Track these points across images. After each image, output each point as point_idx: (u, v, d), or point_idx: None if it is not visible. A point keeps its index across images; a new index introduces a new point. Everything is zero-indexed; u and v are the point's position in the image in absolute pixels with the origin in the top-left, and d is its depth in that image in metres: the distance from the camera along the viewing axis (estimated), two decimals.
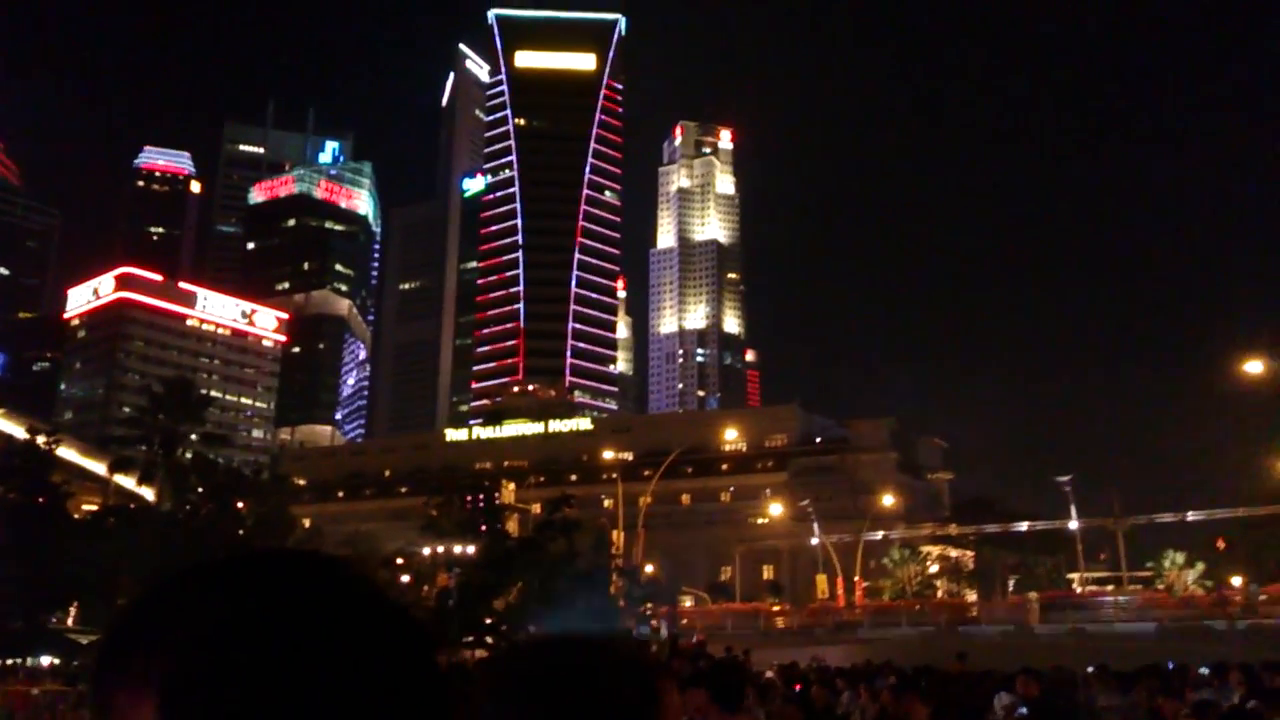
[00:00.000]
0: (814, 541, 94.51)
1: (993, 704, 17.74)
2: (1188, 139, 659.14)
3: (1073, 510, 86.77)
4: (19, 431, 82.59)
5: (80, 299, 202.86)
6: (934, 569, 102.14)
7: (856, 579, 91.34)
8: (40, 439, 61.37)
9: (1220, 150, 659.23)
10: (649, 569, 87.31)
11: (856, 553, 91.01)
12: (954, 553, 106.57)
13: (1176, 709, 14.25)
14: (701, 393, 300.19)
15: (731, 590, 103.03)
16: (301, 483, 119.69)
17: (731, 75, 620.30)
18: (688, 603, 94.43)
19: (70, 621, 58.96)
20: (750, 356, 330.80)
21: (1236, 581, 79.91)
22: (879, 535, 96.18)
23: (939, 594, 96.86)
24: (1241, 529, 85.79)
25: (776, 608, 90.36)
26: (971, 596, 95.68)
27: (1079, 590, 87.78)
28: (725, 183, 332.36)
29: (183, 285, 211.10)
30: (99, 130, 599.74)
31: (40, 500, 55.90)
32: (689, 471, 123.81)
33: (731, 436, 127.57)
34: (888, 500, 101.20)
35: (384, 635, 1.03)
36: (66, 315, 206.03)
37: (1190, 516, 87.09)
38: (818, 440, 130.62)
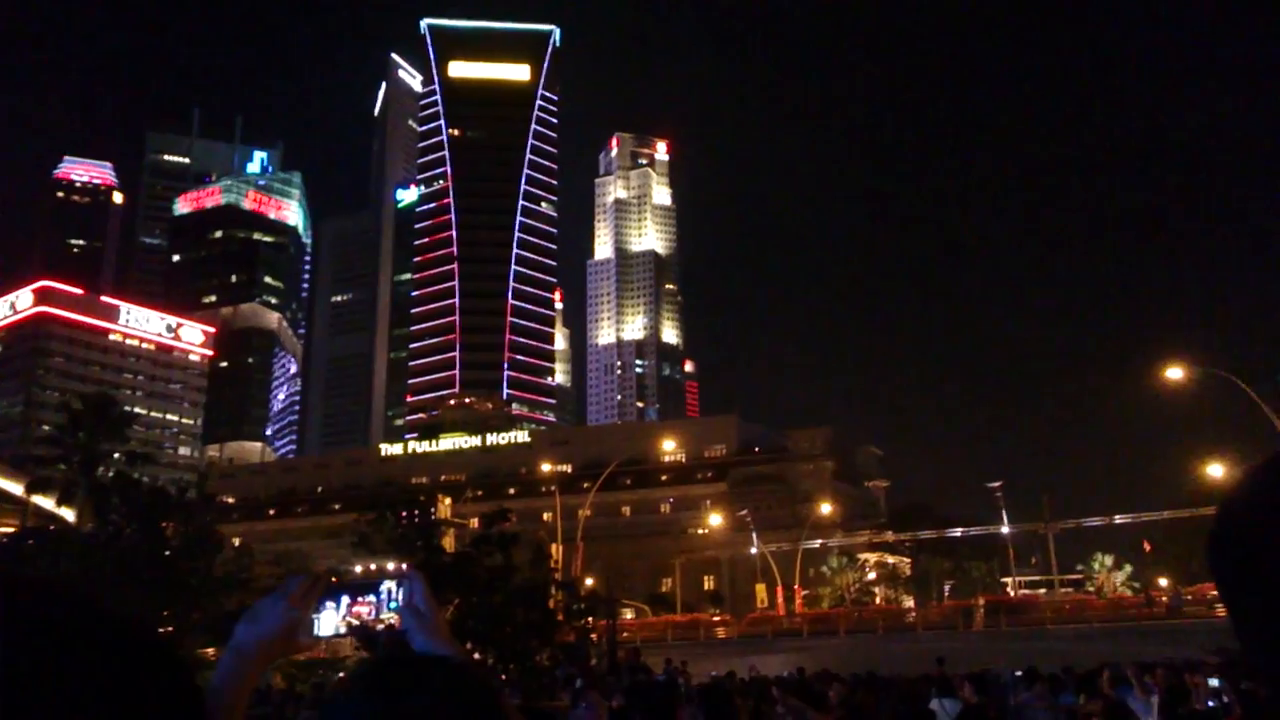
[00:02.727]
0: (753, 551, 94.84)
1: (930, 709, 17.81)
2: (1104, 153, 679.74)
3: (1004, 515, 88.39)
4: None
5: None
6: (872, 576, 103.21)
7: (795, 587, 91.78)
8: None
9: (1138, 162, 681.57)
10: (589, 582, 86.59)
11: (795, 561, 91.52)
12: (891, 559, 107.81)
13: (1093, 709, 14.50)
14: (640, 404, 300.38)
15: (672, 601, 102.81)
16: (230, 501, 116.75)
17: (667, 87, 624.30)
18: (628, 615, 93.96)
19: None
20: (689, 367, 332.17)
21: (1163, 582, 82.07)
22: (817, 543, 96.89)
23: (877, 600, 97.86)
24: (1167, 531, 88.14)
25: (716, 618, 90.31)
26: (909, 602, 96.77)
27: (1012, 594, 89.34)
28: (662, 194, 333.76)
29: (105, 299, 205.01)
30: (16, 139, 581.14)
31: None
32: (628, 483, 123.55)
33: (670, 447, 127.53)
34: (825, 508, 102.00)
35: (114, 654, 1.02)
36: None
37: (1118, 520, 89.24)
38: (756, 450, 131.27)
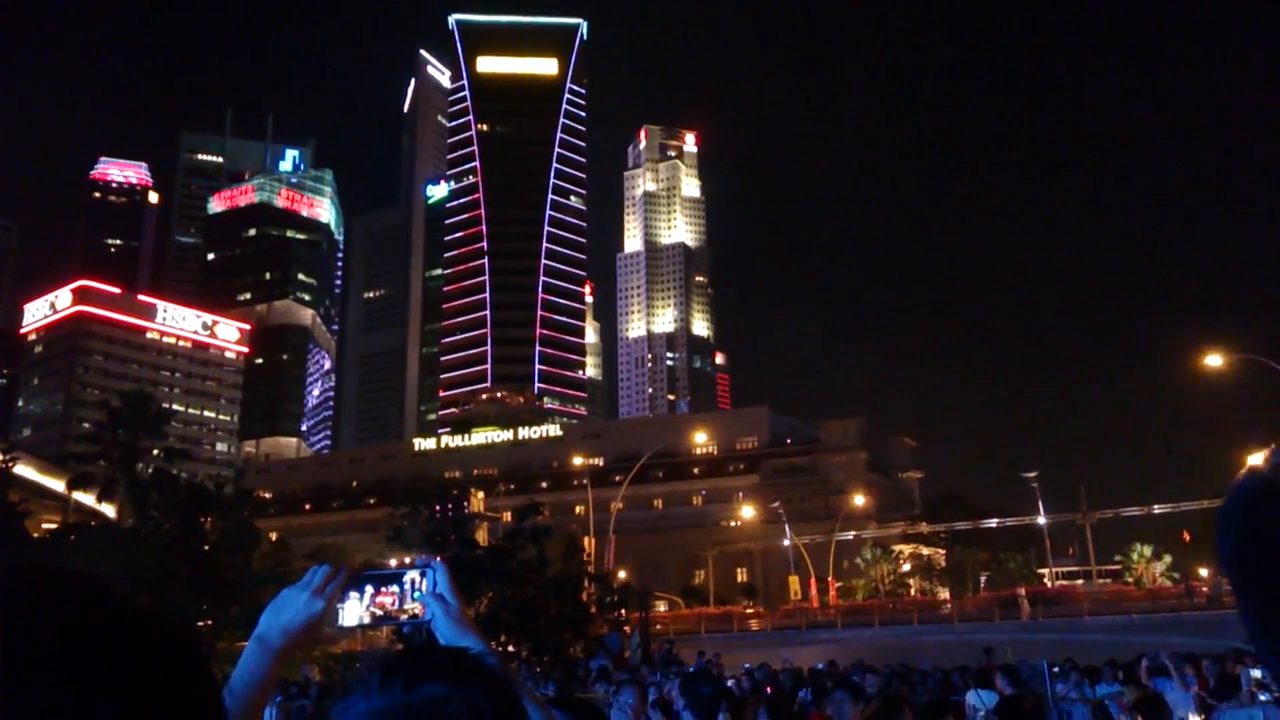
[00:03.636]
0: (786, 543, 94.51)
1: (964, 702, 17.62)
2: (1146, 139, 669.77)
3: (1040, 506, 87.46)
4: None
5: (37, 313, 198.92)
6: (906, 567, 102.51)
7: (829, 579, 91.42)
8: None
9: (1179, 147, 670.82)
10: (621, 574, 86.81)
11: (828, 553, 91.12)
12: (926, 551, 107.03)
13: (1130, 700, 14.28)
14: (671, 396, 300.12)
15: (705, 594, 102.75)
16: (267, 496, 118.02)
17: (694, 78, 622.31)
18: (661, 607, 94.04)
19: None
20: (719, 359, 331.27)
21: (1204, 573, 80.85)
22: (850, 535, 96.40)
23: (912, 592, 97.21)
24: (1206, 521, 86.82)
25: (750, 610, 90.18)
26: (944, 594, 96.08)
27: (1049, 585, 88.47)
28: (691, 186, 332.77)
29: (142, 298, 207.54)
30: (53, 141, 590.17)
31: None
32: (660, 476, 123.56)
33: (702, 440, 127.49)
34: (858, 500, 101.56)
35: (136, 645, 1.05)
36: (23, 330, 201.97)
37: (1156, 509, 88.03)
38: (788, 441, 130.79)
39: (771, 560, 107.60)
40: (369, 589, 2.32)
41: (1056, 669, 21.02)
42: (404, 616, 2.21)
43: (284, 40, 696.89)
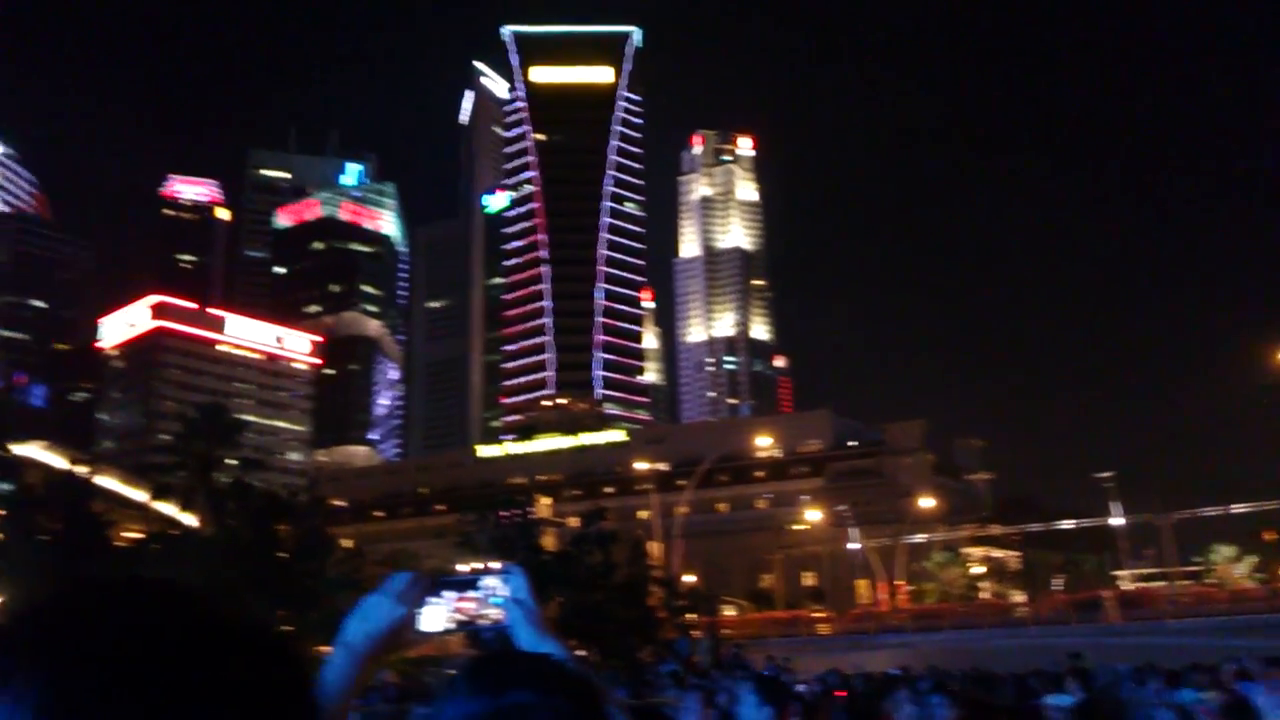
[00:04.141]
0: (853, 546, 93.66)
1: (1042, 705, 17.40)
2: (1222, 130, 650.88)
3: (1116, 507, 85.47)
4: (60, 462, 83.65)
5: (115, 329, 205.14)
6: (978, 570, 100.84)
7: (898, 583, 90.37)
8: (81, 469, 62.01)
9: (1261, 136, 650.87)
10: (688, 579, 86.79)
11: (897, 556, 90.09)
12: (998, 553, 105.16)
13: (1214, 705, 13.94)
14: (733, 400, 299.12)
15: (772, 598, 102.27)
16: (340, 504, 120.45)
17: (748, 82, 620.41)
18: (728, 612, 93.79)
19: None
20: (780, 362, 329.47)
21: None
22: (919, 538, 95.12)
23: (984, 596, 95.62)
24: None
25: (818, 614, 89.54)
26: (1018, 597, 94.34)
27: (1126, 588, 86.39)
28: (747, 189, 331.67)
29: (214, 311, 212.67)
30: (125, 161, 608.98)
31: (81, 529, 56.27)
32: (724, 480, 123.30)
33: (765, 443, 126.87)
34: (926, 502, 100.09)
35: (246, 656, 1.08)
36: (102, 345, 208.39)
37: (1235, 509, 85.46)
38: (852, 444, 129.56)
39: (838, 564, 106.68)
40: (450, 594, 2.31)
41: (1137, 673, 20.64)
42: (484, 622, 2.32)
43: (345, 59, 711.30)
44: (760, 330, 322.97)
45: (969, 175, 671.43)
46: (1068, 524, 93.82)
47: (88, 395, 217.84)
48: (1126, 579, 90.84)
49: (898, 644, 63.86)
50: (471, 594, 2.32)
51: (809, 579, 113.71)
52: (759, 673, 29.25)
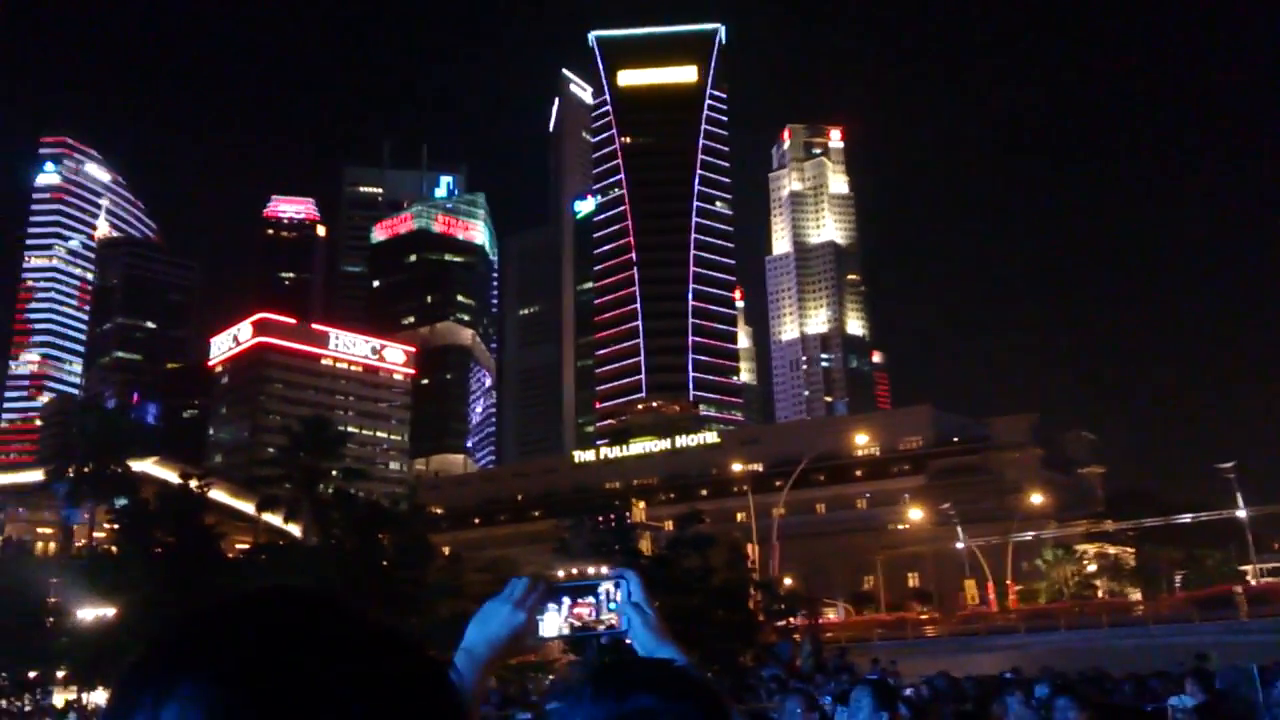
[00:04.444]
0: (959, 545, 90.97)
1: (1167, 707, 16.34)
2: None
3: (1239, 498, 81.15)
4: (173, 477, 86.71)
5: (222, 346, 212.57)
6: (1092, 568, 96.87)
7: (1008, 582, 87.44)
8: (192, 483, 63.98)
9: None
10: (787, 581, 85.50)
11: (1005, 555, 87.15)
12: (1112, 550, 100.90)
13: None
14: (829, 398, 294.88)
15: (875, 599, 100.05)
16: (438, 511, 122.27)
17: (836, 74, 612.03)
18: (830, 615, 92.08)
19: None
20: (877, 358, 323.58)
21: None
22: (1028, 535, 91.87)
23: (1099, 594, 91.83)
24: None
25: (924, 616, 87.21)
26: (1135, 595, 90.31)
27: (1254, 582, 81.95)
28: (838, 183, 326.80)
29: (315, 326, 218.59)
30: (229, 184, 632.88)
31: (194, 542, 57.94)
32: (821, 479, 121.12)
33: (863, 441, 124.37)
34: (1035, 499, 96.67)
35: (400, 668, 1.12)
36: (210, 362, 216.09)
37: None
38: (955, 440, 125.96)
39: (944, 563, 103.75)
40: (566, 600, 2.32)
41: (1265, 673, 19.19)
42: (601, 627, 2.31)
43: (433, 74, 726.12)
44: (855, 326, 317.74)
45: (1069, 163, 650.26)
46: (1186, 518, 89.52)
47: (198, 411, 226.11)
48: (1253, 574, 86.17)
49: (1009, 645, 61.58)
50: (588, 599, 2.33)
51: (913, 580, 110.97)
52: (872, 677, 28.21)
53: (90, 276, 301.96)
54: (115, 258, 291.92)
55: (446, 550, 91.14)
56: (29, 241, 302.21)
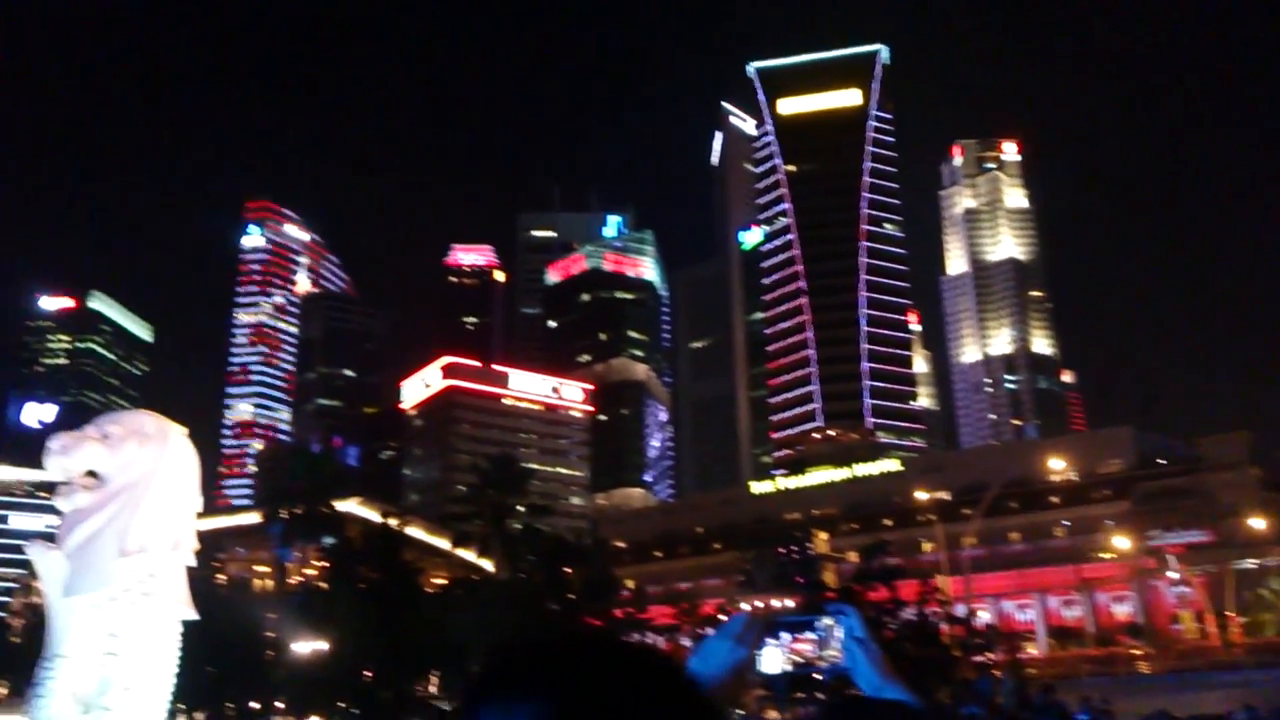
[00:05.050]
0: (1172, 575, 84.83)
1: None
2: None
3: None
4: (374, 516, 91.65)
5: (413, 390, 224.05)
6: None
7: (1229, 614, 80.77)
8: (392, 521, 67.50)
9: None
10: (982, 614, 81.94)
11: (1226, 585, 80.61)
12: None
13: None
14: (1017, 421, 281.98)
15: (1079, 633, 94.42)
16: (621, 545, 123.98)
17: (1005, 85, 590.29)
18: (1031, 650, 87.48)
19: (433, 689, 63.41)
20: (1067, 378, 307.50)
21: None
22: (1252, 564, 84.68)
23: None
24: None
25: (1136, 651, 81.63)
26: None
27: None
28: (1015, 197, 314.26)
29: (496, 367, 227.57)
30: (412, 235, 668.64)
31: (396, 578, 60.86)
32: (1014, 507, 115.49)
33: (1058, 466, 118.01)
34: (1257, 523, 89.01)
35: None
36: (403, 406, 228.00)
37: None
38: (1160, 462, 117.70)
39: (1154, 595, 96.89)
40: (785, 635, 2.32)
41: None
42: (823, 664, 2.30)
43: (598, 118, 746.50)
44: (1042, 345, 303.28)
45: (1259, 170, 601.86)
46: None
47: (393, 453, 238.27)
48: None
49: (1233, 682, 56.81)
50: (808, 634, 2.33)
51: (1120, 612, 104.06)
52: (1081, 718, 26.72)
53: (292, 329, 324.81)
54: (316, 311, 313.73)
55: (630, 583, 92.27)
56: (237, 299, 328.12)
